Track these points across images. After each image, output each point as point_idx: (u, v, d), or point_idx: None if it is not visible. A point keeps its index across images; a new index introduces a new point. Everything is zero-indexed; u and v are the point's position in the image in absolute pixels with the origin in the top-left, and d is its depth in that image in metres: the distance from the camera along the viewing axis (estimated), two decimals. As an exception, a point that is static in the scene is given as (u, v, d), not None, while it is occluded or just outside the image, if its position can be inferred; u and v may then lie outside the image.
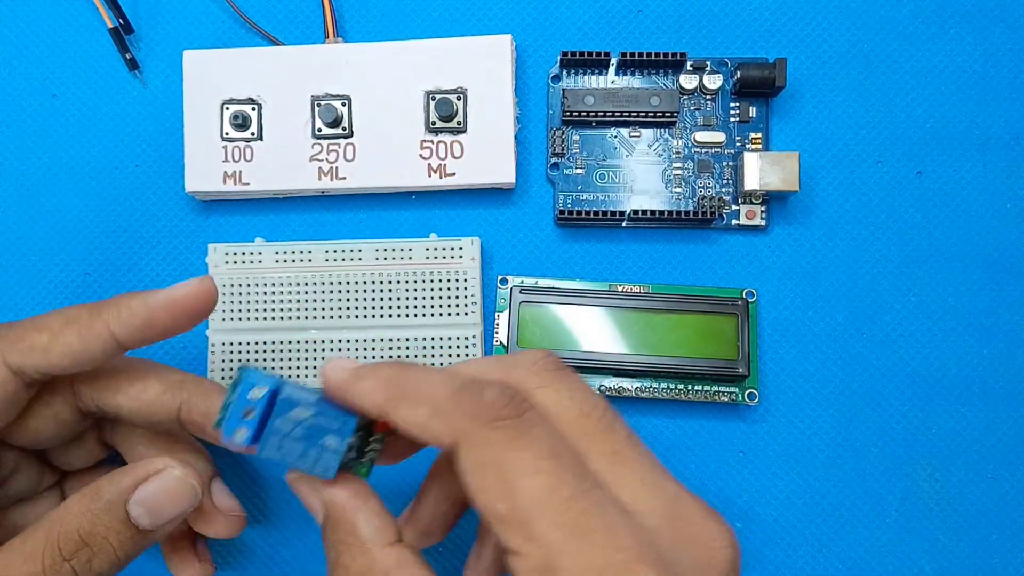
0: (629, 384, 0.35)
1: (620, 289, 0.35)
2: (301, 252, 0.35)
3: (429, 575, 0.23)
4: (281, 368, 0.35)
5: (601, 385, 0.35)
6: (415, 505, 0.28)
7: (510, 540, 0.20)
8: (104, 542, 0.25)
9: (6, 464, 0.29)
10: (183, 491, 0.26)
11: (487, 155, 0.35)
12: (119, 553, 0.25)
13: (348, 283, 0.35)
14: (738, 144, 0.36)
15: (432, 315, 0.35)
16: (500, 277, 0.35)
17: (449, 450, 0.21)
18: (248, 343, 0.35)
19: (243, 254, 0.35)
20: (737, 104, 0.36)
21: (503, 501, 0.20)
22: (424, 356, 0.34)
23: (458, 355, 0.34)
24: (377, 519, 0.24)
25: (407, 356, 0.34)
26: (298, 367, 0.35)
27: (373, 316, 0.35)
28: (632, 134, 0.36)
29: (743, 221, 0.36)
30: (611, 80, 0.36)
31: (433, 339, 0.34)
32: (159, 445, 0.31)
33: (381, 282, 0.35)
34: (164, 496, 0.26)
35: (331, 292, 0.35)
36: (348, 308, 0.35)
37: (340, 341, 0.35)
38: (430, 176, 0.35)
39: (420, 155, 0.35)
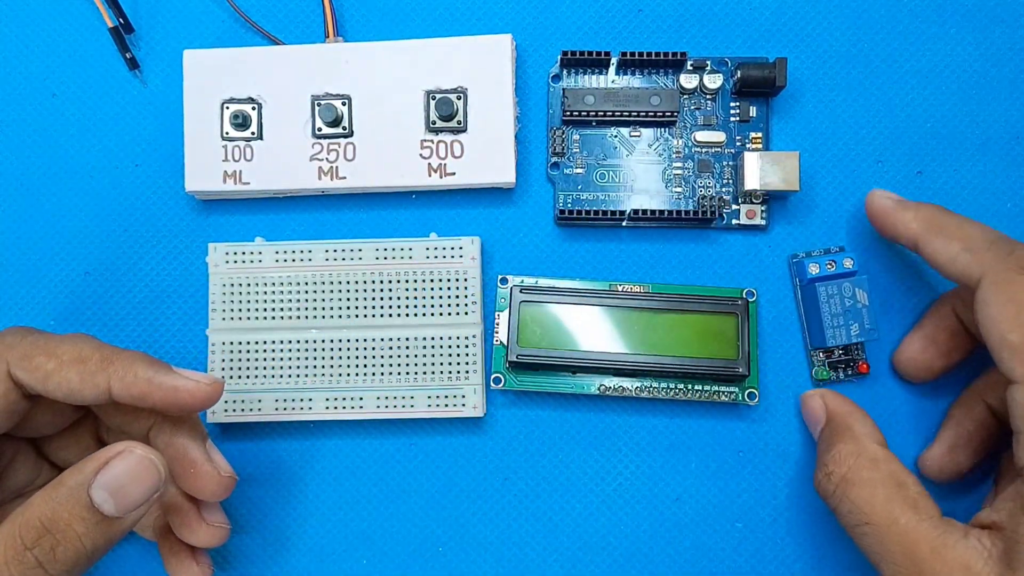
0: (629, 384, 0.35)
1: (620, 289, 0.35)
2: (301, 252, 0.35)
3: (907, 476, 0.28)
4: (281, 368, 0.35)
5: (601, 385, 0.35)
6: (941, 431, 0.34)
7: (1016, 369, 0.25)
8: (68, 529, 0.24)
9: (4, 454, 0.29)
10: (145, 471, 0.25)
11: (487, 154, 0.35)
12: (85, 541, 0.24)
13: (348, 283, 0.35)
14: (738, 144, 0.36)
15: (432, 314, 0.35)
16: (500, 276, 0.35)
17: (970, 283, 0.27)
18: (248, 343, 0.35)
19: (243, 254, 0.35)
20: (737, 104, 0.36)
21: (1016, 332, 0.25)
22: (424, 355, 0.34)
23: (458, 354, 0.34)
24: (868, 424, 0.31)
25: (407, 355, 0.34)
26: (298, 367, 0.35)
27: (373, 315, 0.35)
28: (632, 134, 0.36)
29: (743, 221, 0.36)
30: (611, 80, 0.36)
31: (433, 338, 0.34)
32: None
33: (381, 282, 0.35)
34: (126, 478, 0.25)
35: (331, 292, 0.35)
36: (348, 307, 0.35)
37: (340, 340, 0.35)
38: (430, 176, 0.35)
39: (420, 154, 0.35)
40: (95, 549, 0.25)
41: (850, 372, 0.35)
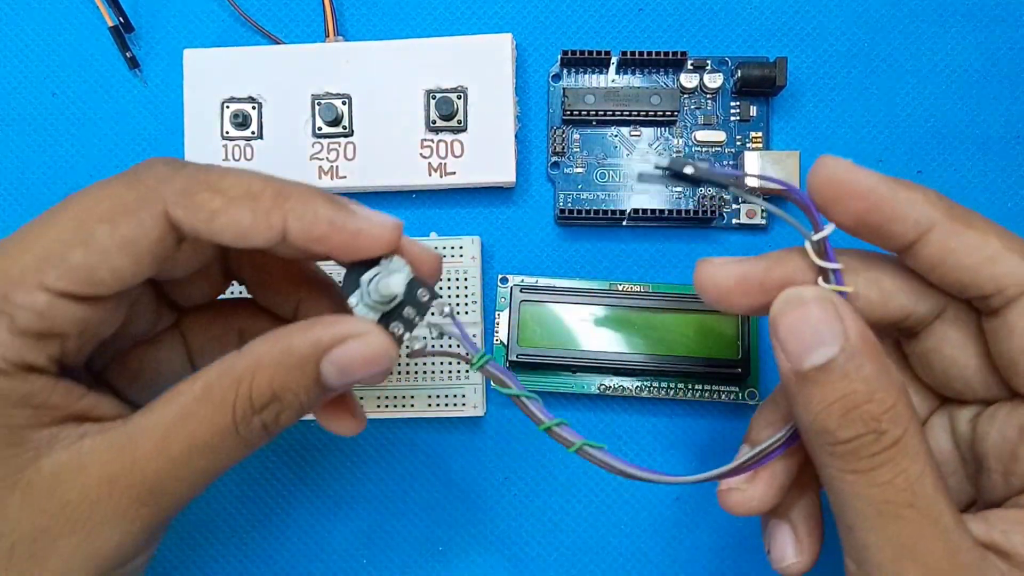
0: (629, 383, 0.35)
1: (620, 288, 0.35)
2: (301, 251, 0.35)
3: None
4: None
5: (601, 384, 0.35)
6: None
7: None
8: (294, 398, 0.23)
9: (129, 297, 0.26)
10: (383, 359, 0.23)
11: (487, 154, 0.35)
12: (304, 408, 0.23)
13: (348, 282, 0.35)
14: (738, 143, 0.36)
15: (432, 313, 0.34)
16: (500, 276, 0.35)
17: (998, 293, 0.22)
18: (248, 342, 0.35)
19: (243, 253, 0.35)
20: (738, 103, 0.36)
21: None
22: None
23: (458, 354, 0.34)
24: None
25: (407, 355, 0.34)
26: (298, 366, 0.35)
27: (373, 315, 0.35)
28: (632, 133, 0.36)
29: (743, 220, 0.36)
30: (611, 79, 0.36)
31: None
32: (292, 280, 0.28)
33: (381, 281, 0.35)
34: (359, 362, 0.23)
35: (331, 291, 0.35)
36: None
37: (340, 340, 0.35)
38: (430, 175, 0.35)
39: (420, 154, 0.35)
40: (304, 414, 0.24)
41: None
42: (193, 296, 0.28)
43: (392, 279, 0.23)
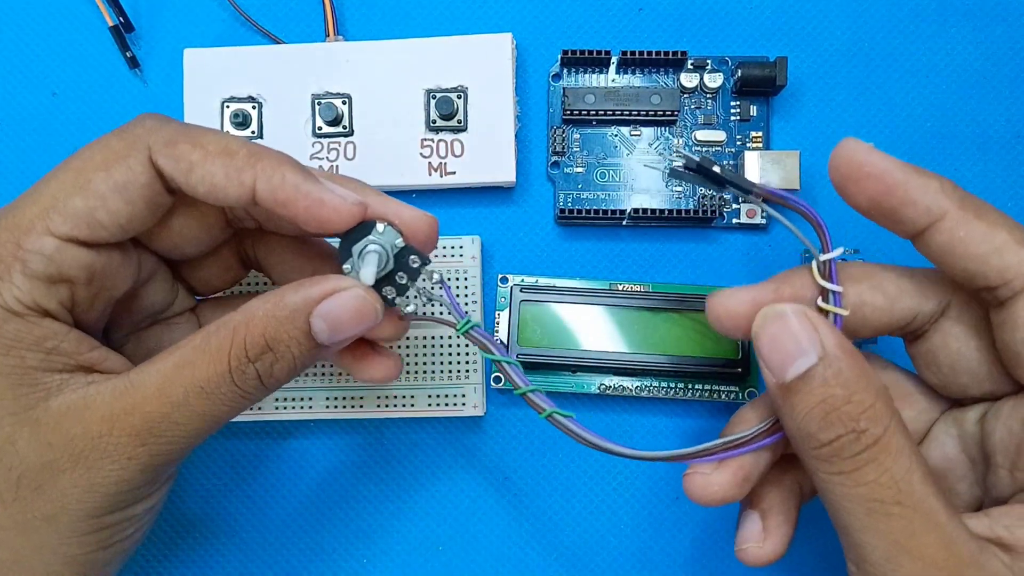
0: (629, 383, 0.35)
1: (620, 288, 0.35)
2: (301, 250, 0.35)
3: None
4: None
5: (601, 384, 0.35)
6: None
7: None
8: (287, 350, 0.24)
9: (144, 268, 0.27)
10: (366, 311, 0.25)
11: (487, 154, 0.35)
12: (297, 362, 0.25)
13: (348, 282, 0.35)
14: (739, 143, 0.36)
15: (432, 313, 0.35)
16: (500, 276, 0.35)
17: (1004, 286, 0.22)
18: (248, 341, 0.35)
19: (243, 252, 0.35)
20: (738, 103, 0.36)
21: None
22: (424, 354, 0.34)
23: (458, 353, 0.34)
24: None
25: (407, 354, 0.34)
26: (298, 366, 0.35)
27: (373, 315, 0.35)
28: (633, 133, 0.36)
29: (743, 220, 0.36)
30: (612, 79, 0.36)
31: (433, 338, 0.34)
32: (305, 259, 0.30)
33: (381, 281, 0.35)
34: (346, 314, 0.24)
35: (331, 291, 0.35)
36: (348, 307, 0.35)
37: (340, 340, 0.35)
38: (430, 175, 0.35)
39: (420, 154, 0.35)
40: (299, 370, 0.25)
41: None
42: (211, 282, 0.30)
43: (369, 249, 0.25)
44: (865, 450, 0.22)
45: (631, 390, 0.35)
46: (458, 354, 0.34)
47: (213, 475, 0.36)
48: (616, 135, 0.36)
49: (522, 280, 0.35)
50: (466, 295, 0.35)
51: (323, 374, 0.34)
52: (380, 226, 0.25)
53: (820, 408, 0.22)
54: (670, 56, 0.35)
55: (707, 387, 0.34)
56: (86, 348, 0.24)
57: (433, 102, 0.35)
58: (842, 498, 0.22)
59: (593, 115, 0.36)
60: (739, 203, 0.36)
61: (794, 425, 0.23)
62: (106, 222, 0.24)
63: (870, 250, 0.36)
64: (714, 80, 0.36)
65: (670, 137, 0.36)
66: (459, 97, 0.35)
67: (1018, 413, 0.24)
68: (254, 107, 0.35)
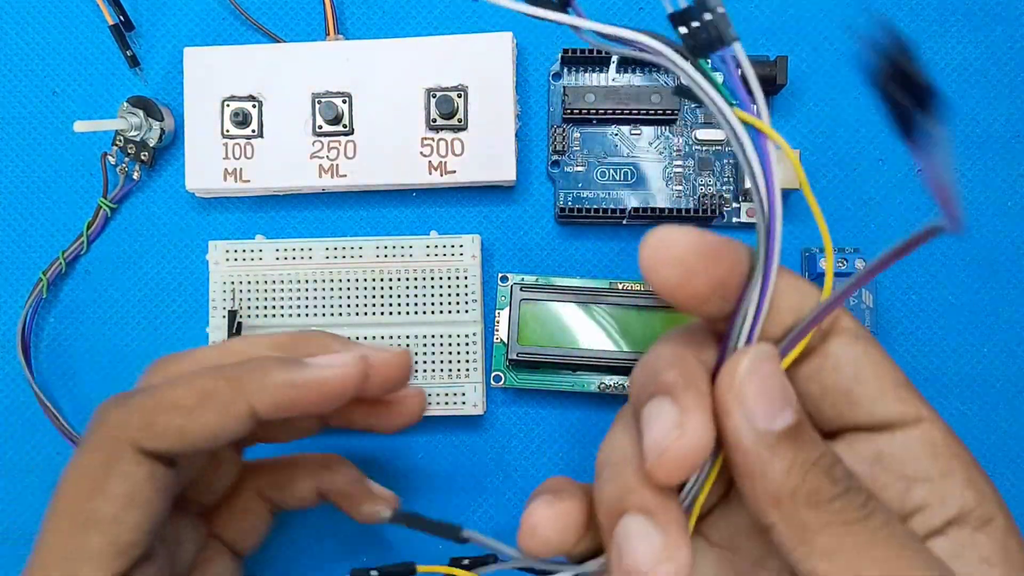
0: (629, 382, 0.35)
1: (621, 287, 0.35)
2: (301, 249, 0.35)
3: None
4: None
5: (601, 383, 0.35)
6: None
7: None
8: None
9: (183, 535, 0.27)
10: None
11: (488, 152, 0.35)
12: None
13: (348, 280, 0.35)
14: (739, 142, 0.36)
15: (432, 312, 0.35)
16: (500, 274, 0.35)
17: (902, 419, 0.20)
18: (248, 340, 0.35)
19: (243, 251, 0.35)
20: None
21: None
22: (424, 354, 0.34)
23: (458, 353, 0.34)
24: None
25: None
26: (298, 364, 0.35)
27: (373, 313, 0.35)
28: (633, 132, 0.36)
29: (744, 219, 0.36)
30: (612, 78, 0.36)
31: (433, 336, 0.34)
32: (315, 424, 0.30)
33: (381, 279, 0.35)
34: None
35: (331, 289, 0.35)
36: (348, 305, 0.35)
37: (340, 338, 0.35)
38: (431, 173, 0.35)
39: (421, 152, 0.35)
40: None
41: None
42: (242, 527, 0.30)
43: None
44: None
45: (631, 389, 0.35)
46: (458, 353, 0.34)
47: (213, 474, 0.36)
48: (616, 134, 0.36)
49: (522, 279, 0.35)
50: (466, 294, 0.35)
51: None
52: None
53: (802, 461, 0.19)
54: (670, 55, 0.35)
55: (707, 386, 0.34)
56: None
57: (433, 101, 0.35)
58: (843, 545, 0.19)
59: (593, 114, 0.36)
60: (739, 202, 0.36)
61: (779, 480, 0.19)
62: (134, 539, 0.22)
63: (870, 250, 0.36)
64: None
65: (670, 136, 0.36)
66: (459, 96, 0.35)
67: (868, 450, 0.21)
68: (254, 106, 0.35)
